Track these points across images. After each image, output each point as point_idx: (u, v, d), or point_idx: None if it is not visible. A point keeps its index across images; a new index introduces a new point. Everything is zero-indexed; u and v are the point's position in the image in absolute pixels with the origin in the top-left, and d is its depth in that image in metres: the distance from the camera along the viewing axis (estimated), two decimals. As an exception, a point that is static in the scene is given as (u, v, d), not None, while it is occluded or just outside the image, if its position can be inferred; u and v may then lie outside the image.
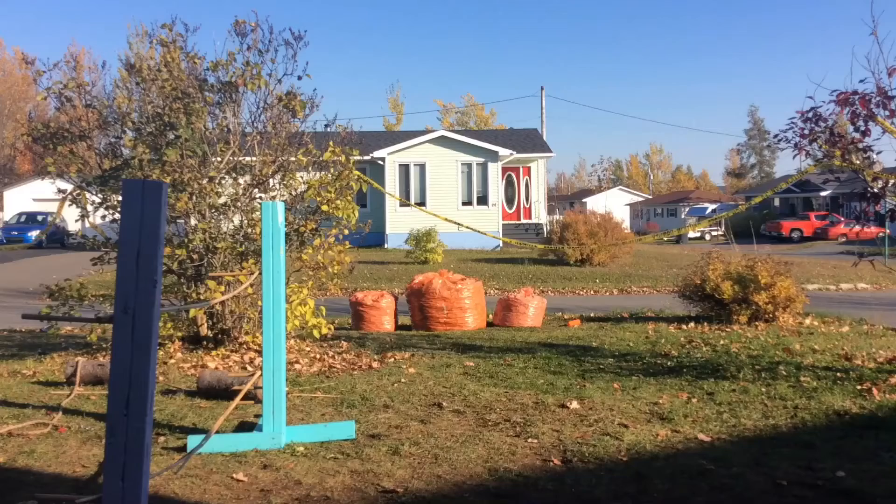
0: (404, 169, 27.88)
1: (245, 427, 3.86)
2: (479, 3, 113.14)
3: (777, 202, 48.76)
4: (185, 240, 6.05)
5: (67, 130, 6.13)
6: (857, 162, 5.60)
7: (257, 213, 6.20)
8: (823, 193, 44.15)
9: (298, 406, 4.38)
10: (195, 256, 6.02)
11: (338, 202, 6.30)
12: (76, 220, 7.00)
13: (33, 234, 29.78)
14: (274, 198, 6.36)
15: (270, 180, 6.38)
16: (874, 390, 4.57)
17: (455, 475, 3.13)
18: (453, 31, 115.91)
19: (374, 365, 5.75)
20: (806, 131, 5.62)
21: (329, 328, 6.40)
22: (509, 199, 31.11)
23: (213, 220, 6.11)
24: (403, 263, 20.04)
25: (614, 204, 50.83)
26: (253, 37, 6.25)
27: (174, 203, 5.85)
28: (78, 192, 6.26)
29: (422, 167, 27.92)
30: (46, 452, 3.49)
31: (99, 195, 6.19)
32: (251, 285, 6.05)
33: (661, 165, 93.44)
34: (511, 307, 8.75)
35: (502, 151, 28.34)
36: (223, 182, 6.29)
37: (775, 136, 5.91)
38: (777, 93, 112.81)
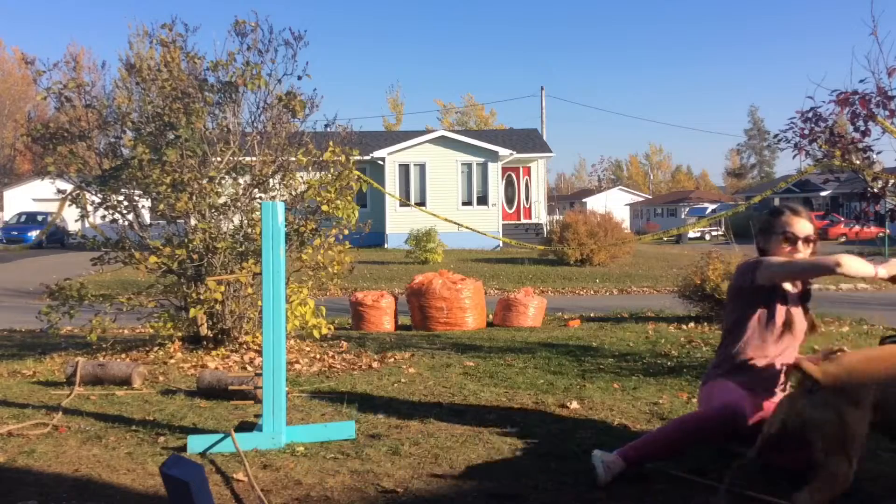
0: (404, 169, 27.88)
1: (245, 427, 3.86)
2: (480, 3, 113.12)
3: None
4: (185, 240, 6.05)
5: (67, 130, 6.12)
6: (857, 162, 5.60)
7: (257, 213, 6.20)
8: (823, 193, 44.16)
9: (298, 406, 4.38)
10: (195, 256, 6.02)
11: (338, 202, 6.30)
12: (76, 220, 7.00)
13: (33, 234, 29.79)
14: (274, 198, 6.36)
15: (270, 180, 6.38)
16: (874, 390, 4.56)
17: (455, 475, 3.13)
18: (453, 31, 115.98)
19: (374, 365, 5.75)
20: (806, 131, 5.63)
21: (329, 328, 6.40)
22: (509, 199, 31.12)
23: (213, 220, 6.11)
24: (403, 263, 20.04)
25: (614, 204, 50.89)
26: (253, 37, 6.25)
27: (174, 203, 5.85)
28: (78, 192, 6.26)
29: (422, 167, 27.92)
30: (46, 452, 3.48)
31: (99, 195, 6.19)
32: (251, 285, 6.05)
33: (660, 165, 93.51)
34: (511, 307, 8.75)
35: (502, 151, 28.34)
36: (223, 182, 6.29)
37: (775, 136, 5.91)
38: (777, 93, 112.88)
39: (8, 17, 76.95)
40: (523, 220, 30.20)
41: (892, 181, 5.54)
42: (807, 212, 3.25)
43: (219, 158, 6.21)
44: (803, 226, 3.18)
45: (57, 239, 29.24)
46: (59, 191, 6.29)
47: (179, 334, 6.23)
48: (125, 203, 6.26)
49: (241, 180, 6.36)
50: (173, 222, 6.30)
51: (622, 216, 36.92)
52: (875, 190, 5.54)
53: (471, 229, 12.44)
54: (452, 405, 4.39)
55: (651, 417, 4.06)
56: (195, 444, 3.51)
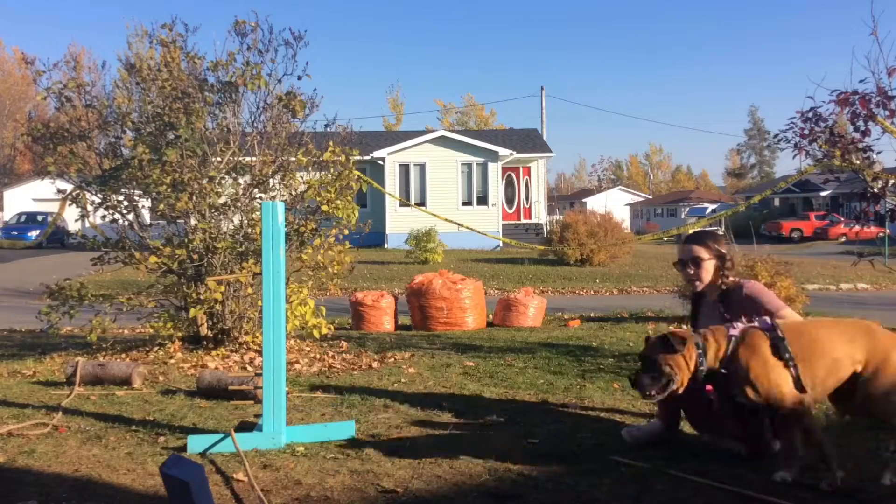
0: (404, 169, 27.87)
1: (245, 427, 3.86)
2: (480, 3, 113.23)
3: (777, 202, 48.76)
4: (185, 240, 6.04)
5: (67, 130, 6.12)
6: (857, 162, 5.60)
7: (257, 213, 6.20)
8: (823, 193, 44.15)
9: (298, 406, 4.38)
10: (195, 256, 6.02)
11: (338, 202, 6.30)
12: (76, 220, 7.00)
13: (33, 233, 29.76)
14: (274, 198, 6.36)
15: (270, 180, 6.37)
16: (874, 390, 4.56)
17: (455, 475, 3.13)
18: (453, 30, 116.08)
19: (374, 365, 5.75)
20: (806, 131, 5.63)
21: (329, 328, 6.40)
22: (509, 199, 31.10)
23: (213, 220, 6.10)
24: (403, 263, 20.05)
25: (614, 204, 50.88)
26: (253, 37, 6.25)
27: (174, 203, 5.85)
28: (78, 192, 6.26)
29: (422, 167, 27.91)
30: (46, 452, 3.48)
31: (99, 195, 6.19)
32: (251, 285, 6.05)
33: (660, 165, 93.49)
34: (511, 307, 8.75)
35: (502, 151, 28.30)
36: (223, 182, 6.29)
37: (775, 136, 5.92)
38: (777, 93, 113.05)
39: (8, 17, 77.00)
40: (523, 220, 30.19)
41: (892, 181, 5.54)
42: (700, 238, 3.63)
43: (219, 158, 6.21)
44: (679, 250, 3.68)
45: (57, 239, 29.21)
46: (60, 191, 6.28)
47: (179, 334, 6.22)
48: (125, 203, 6.26)
49: (241, 180, 6.36)
50: (173, 222, 6.29)
51: (622, 216, 36.93)
52: (875, 190, 5.54)
53: (471, 229, 12.44)
54: (452, 405, 4.39)
55: (651, 417, 4.06)
56: (195, 444, 3.51)
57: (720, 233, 3.78)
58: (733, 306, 3.46)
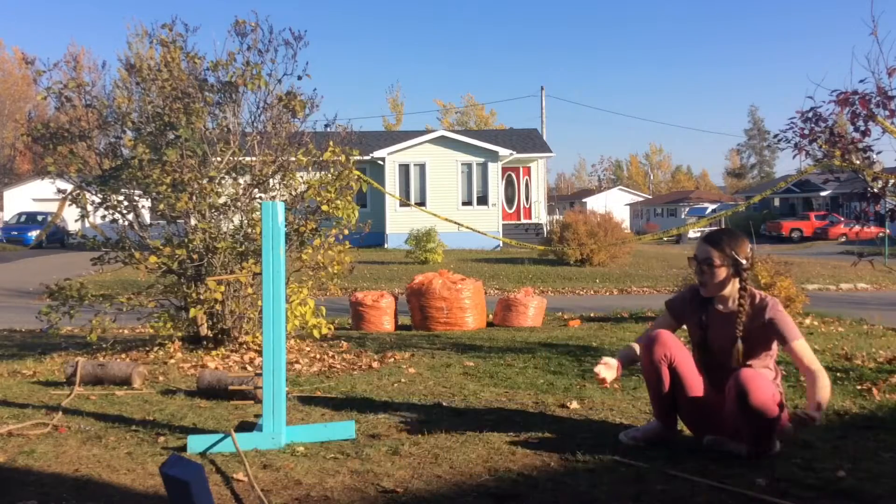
0: (404, 169, 27.87)
1: (245, 427, 3.86)
2: (479, 3, 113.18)
3: (777, 202, 48.77)
4: (185, 240, 6.05)
5: (67, 130, 6.12)
6: (857, 162, 5.60)
7: (257, 213, 6.20)
8: (823, 193, 44.15)
9: (298, 406, 4.38)
10: (195, 256, 6.02)
11: (338, 202, 6.30)
12: (76, 220, 7.01)
13: (33, 234, 29.80)
14: (274, 198, 6.36)
15: (270, 180, 6.38)
16: (874, 390, 4.57)
17: (455, 475, 3.12)
18: (453, 30, 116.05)
19: (374, 365, 5.75)
20: (806, 131, 5.63)
21: (329, 328, 6.40)
22: (509, 199, 31.11)
23: (213, 220, 6.11)
24: (403, 263, 20.05)
25: (614, 204, 50.90)
26: (253, 37, 6.25)
27: (174, 203, 5.85)
28: (78, 192, 6.26)
29: (422, 167, 27.91)
30: (46, 452, 3.48)
31: (99, 195, 6.19)
32: (251, 285, 6.05)
33: (660, 165, 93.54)
34: (511, 307, 8.75)
35: (502, 151, 28.32)
36: (223, 182, 6.29)
37: (775, 136, 5.91)
38: (777, 93, 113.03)
39: (8, 17, 77.04)
40: (523, 220, 30.20)
41: (892, 181, 5.54)
42: (716, 239, 3.33)
43: (219, 158, 6.21)
44: (696, 246, 3.44)
45: (57, 239, 29.24)
46: (59, 191, 6.28)
47: (179, 334, 6.22)
48: (125, 203, 6.26)
49: (241, 180, 6.36)
50: (173, 222, 6.29)
51: (622, 216, 36.95)
52: (875, 190, 5.54)
53: (471, 229, 12.45)
54: (452, 405, 4.39)
55: (651, 417, 4.06)
56: (195, 444, 3.51)
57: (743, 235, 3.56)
58: (751, 326, 3.27)
